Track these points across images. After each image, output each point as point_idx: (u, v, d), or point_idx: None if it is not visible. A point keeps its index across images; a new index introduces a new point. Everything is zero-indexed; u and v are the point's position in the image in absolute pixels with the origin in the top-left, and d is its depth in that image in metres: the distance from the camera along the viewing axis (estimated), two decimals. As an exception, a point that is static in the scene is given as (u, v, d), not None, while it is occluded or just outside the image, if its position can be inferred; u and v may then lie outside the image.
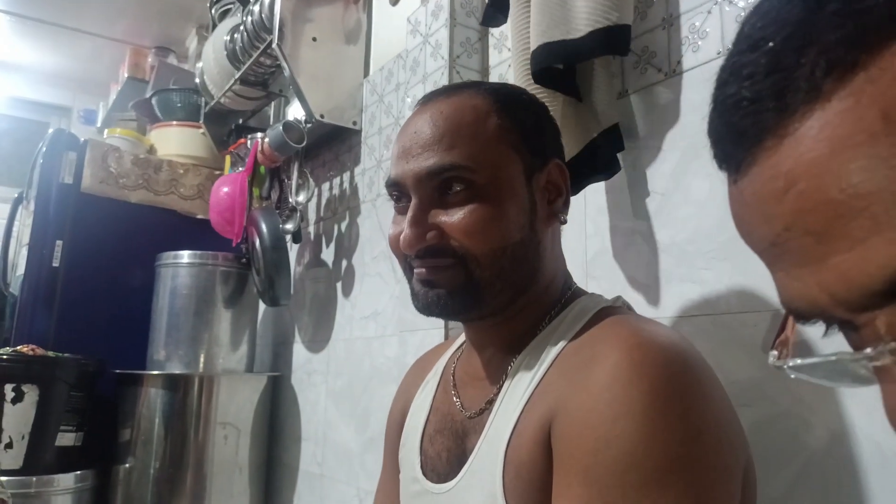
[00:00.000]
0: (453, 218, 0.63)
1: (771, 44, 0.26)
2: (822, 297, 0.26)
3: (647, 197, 0.91)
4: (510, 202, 0.64)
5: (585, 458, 0.52)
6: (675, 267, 0.86)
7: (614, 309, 0.66)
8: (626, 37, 0.86)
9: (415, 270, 0.66)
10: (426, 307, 0.65)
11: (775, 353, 0.30)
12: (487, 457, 0.61)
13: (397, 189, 0.67)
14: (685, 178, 0.86)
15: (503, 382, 0.65)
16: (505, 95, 0.69)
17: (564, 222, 0.69)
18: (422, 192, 0.64)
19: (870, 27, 0.23)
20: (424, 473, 0.71)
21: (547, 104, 0.88)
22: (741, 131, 0.27)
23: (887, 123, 0.22)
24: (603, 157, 0.90)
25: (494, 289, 0.64)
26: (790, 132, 0.25)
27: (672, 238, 0.87)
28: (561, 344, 0.62)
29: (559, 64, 0.90)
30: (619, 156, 0.92)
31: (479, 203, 0.63)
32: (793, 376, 0.28)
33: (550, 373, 0.61)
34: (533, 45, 0.90)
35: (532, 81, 0.91)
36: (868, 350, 0.24)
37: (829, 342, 0.29)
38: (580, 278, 0.99)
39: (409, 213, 0.64)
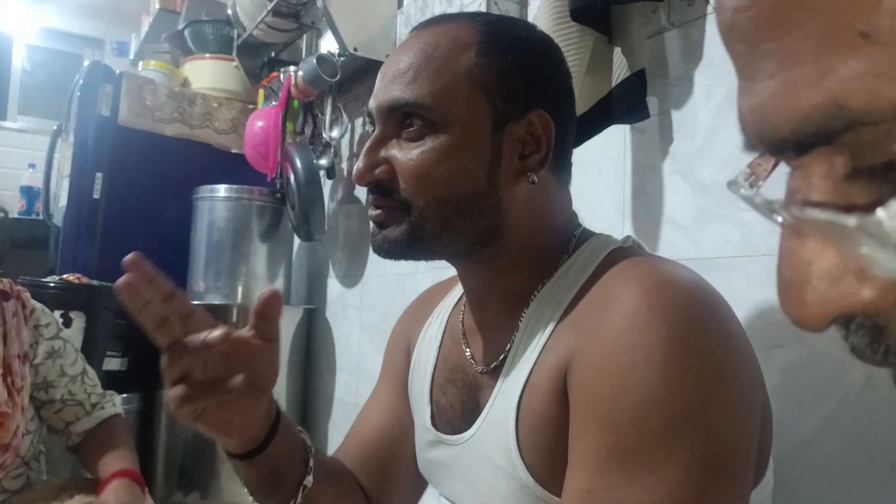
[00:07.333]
0: (405, 155, 0.61)
1: None
2: (749, 127, 0.21)
3: (690, 135, 0.89)
4: (465, 148, 0.60)
5: (602, 406, 0.51)
6: (715, 207, 0.85)
7: (625, 249, 0.63)
8: None
9: (370, 212, 0.66)
10: (376, 248, 0.66)
11: (747, 171, 0.26)
12: (501, 411, 0.61)
13: (371, 118, 0.66)
14: (730, 115, 0.84)
15: (514, 336, 0.63)
16: (496, 29, 0.63)
17: (534, 182, 0.61)
18: (383, 125, 0.63)
19: None
20: (435, 424, 0.70)
21: (577, 41, 0.85)
22: None
23: None
24: (630, 100, 0.88)
25: (441, 240, 0.62)
26: None
27: (713, 177, 0.85)
28: (572, 291, 0.60)
29: (599, 2, 0.88)
30: (663, 91, 0.90)
31: (431, 143, 0.60)
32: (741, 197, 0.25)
33: (563, 322, 0.59)
34: None
35: (558, 10, 0.90)
36: (774, 202, 0.21)
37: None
38: (617, 218, 0.99)
39: (367, 144, 0.64)
